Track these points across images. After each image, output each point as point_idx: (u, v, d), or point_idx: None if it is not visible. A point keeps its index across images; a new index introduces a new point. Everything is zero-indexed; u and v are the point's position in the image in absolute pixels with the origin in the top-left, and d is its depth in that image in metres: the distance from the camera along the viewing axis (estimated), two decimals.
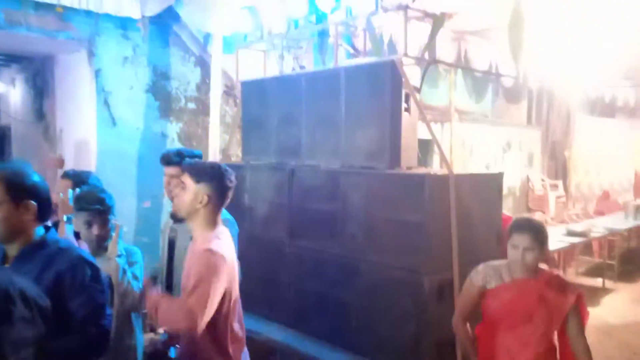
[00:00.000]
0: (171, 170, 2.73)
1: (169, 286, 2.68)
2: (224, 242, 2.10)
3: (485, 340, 2.30)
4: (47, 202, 1.64)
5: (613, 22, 5.55)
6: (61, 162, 4.55)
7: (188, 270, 2.07)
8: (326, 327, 3.16)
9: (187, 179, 2.13)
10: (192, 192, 2.10)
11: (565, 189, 9.62)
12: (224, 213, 2.37)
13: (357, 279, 3.02)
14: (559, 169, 10.27)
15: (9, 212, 1.53)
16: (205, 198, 2.09)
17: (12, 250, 1.59)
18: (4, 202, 1.53)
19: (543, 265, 2.29)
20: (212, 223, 2.13)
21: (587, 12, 5.20)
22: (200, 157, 2.88)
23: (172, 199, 2.71)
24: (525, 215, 2.41)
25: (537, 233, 2.18)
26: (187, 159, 2.63)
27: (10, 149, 5.86)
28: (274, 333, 3.34)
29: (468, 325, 2.37)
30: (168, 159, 2.77)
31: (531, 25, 4.83)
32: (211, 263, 1.98)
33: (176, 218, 2.33)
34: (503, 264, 2.30)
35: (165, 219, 2.96)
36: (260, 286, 3.58)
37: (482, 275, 2.32)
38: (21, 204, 1.55)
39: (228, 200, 2.19)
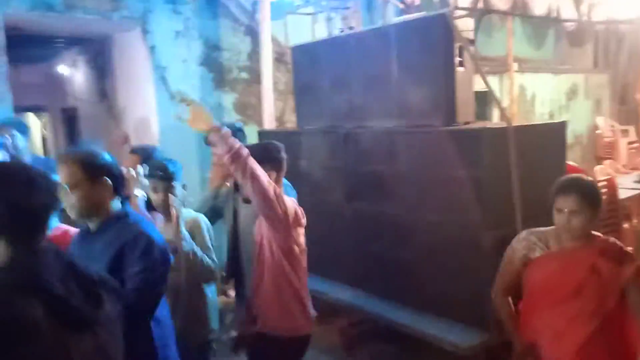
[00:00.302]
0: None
1: (236, 258, 2.73)
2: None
3: (528, 317, 2.05)
4: (120, 178, 1.76)
5: None
6: (126, 139, 4.76)
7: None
8: (388, 285, 3.21)
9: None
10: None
11: (638, 134, 9.09)
12: (284, 181, 2.50)
13: (417, 238, 3.03)
14: (630, 114, 9.69)
15: (88, 190, 1.66)
16: (274, 174, 2.28)
17: (93, 225, 1.72)
18: (82, 181, 1.65)
19: (599, 234, 2.00)
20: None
21: None
22: (242, 130, 2.92)
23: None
24: (574, 174, 2.15)
25: (586, 193, 1.91)
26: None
27: (79, 129, 6.17)
28: (338, 293, 3.43)
29: (510, 300, 2.15)
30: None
31: None
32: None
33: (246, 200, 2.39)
34: (550, 230, 2.03)
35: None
36: (322, 248, 3.65)
37: (525, 242, 2.09)
38: (97, 182, 1.67)
39: (284, 170, 2.39)
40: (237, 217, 2.74)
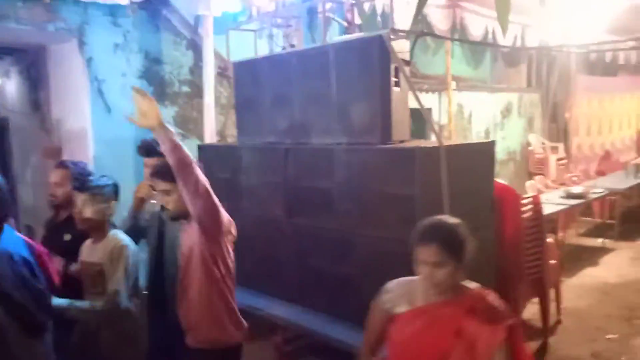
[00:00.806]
0: (152, 161, 2.70)
1: (158, 282, 2.66)
2: None
3: None
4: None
5: None
6: (59, 152, 4.61)
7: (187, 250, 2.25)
8: (326, 300, 3.25)
9: (164, 185, 2.24)
10: (176, 191, 2.18)
11: (566, 151, 9.62)
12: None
13: (354, 253, 3.09)
14: (560, 131, 10.25)
15: None
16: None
17: None
18: None
19: (472, 284, 1.79)
20: None
21: None
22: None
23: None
24: (435, 217, 1.90)
25: (449, 242, 1.70)
26: None
27: (9, 140, 5.91)
28: (276, 308, 3.43)
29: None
30: (149, 149, 2.73)
31: None
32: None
33: (175, 218, 2.35)
34: (419, 280, 1.77)
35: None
36: (261, 263, 3.66)
37: (391, 295, 1.84)
38: None
39: None
40: (163, 239, 2.65)
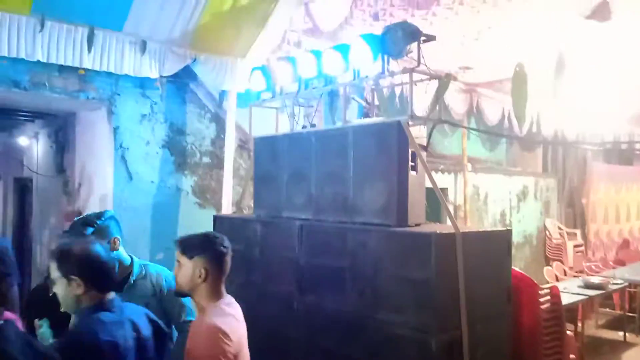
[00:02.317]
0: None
1: None
2: (230, 314, 2.16)
3: None
4: None
5: (617, 70, 5.62)
6: (79, 213, 4.67)
7: (192, 344, 2.11)
8: None
9: (181, 257, 2.20)
10: (189, 268, 2.16)
11: (584, 237, 9.49)
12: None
13: (366, 337, 3.00)
14: (577, 217, 10.18)
15: None
16: (203, 272, 2.15)
17: None
18: None
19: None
20: (216, 294, 2.19)
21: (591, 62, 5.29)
22: (113, 217, 2.84)
23: None
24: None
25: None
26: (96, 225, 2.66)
27: (31, 200, 6.03)
28: None
29: None
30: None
31: (536, 78, 4.92)
32: (220, 347, 2.01)
33: (178, 294, 2.36)
34: None
35: None
36: (268, 340, 3.57)
37: None
38: None
39: (228, 267, 2.24)
40: None
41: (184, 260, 2.20)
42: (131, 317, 2.02)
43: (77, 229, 2.68)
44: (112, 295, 2.02)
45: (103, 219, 2.79)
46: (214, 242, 2.25)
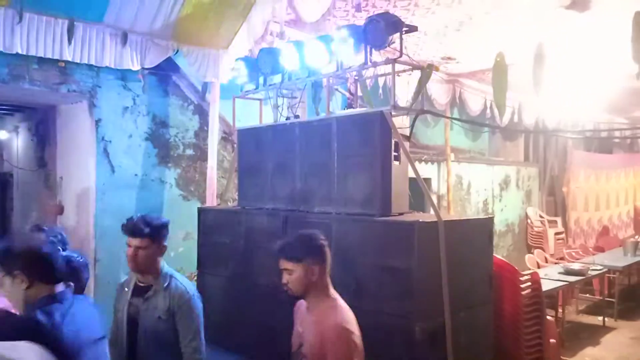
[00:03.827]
0: (135, 241, 2.65)
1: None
2: (344, 306, 2.27)
3: None
4: None
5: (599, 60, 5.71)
6: (61, 209, 4.63)
7: (318, 342, 2.19)
8: None
9: (288, 263, 2.26)
10: (301, 271, 2.24)
11: (564, 225, 9.65)
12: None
13: None
14: (557, 205, 10.34)
15: None
16: (317, 270, 2.24)
17: None
18: None
19: None
20: (327, 288, 2.31)
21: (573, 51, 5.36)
22: (166, 225, 2.80)
23: (135, 270, 2.73)
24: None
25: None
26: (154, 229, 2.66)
27: (12, 195, 5.95)
28: None
29: None
30: (133, 229, 2.66)
31: (517, 68, 4.97)
32: (352, 344, 2.12)
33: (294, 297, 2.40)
34: None
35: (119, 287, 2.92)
36: (254, 330, 3.59)
37: None
38: None
39: (329, 257, 2.34)
40: (135, 326, 2.71)
41: (292, 265, 2.26)
42: (81, 311, 1.96)
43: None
44: (60, 287, 1.96)
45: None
46: (315, 239, 2.31)
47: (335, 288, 3.09)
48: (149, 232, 2.64)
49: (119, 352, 2.73)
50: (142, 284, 2.76)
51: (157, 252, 2.72)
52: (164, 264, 2.79)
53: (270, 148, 3.75)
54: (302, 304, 2.43)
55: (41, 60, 3.87)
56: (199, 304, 2.74)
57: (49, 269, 1.92)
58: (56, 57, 3.76)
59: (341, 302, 2.32)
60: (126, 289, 2.82)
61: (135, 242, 2.64)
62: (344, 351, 2.09)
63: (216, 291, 3.86)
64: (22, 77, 3.87)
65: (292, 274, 2.26)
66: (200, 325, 2.73)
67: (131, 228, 2.67)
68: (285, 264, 2.28)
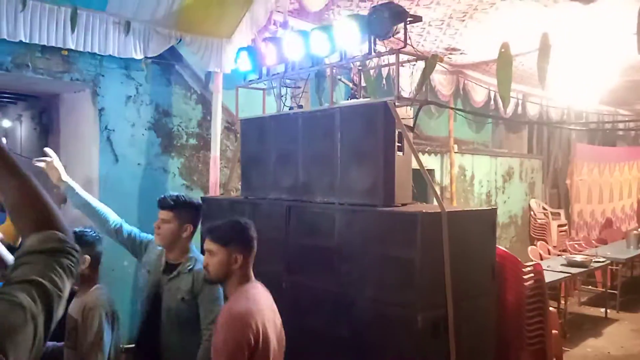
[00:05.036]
0: (162, 214, 2.82)
1: (152, 329, 2.73)
2: (254, 298, 2.17)
3: None
4: None
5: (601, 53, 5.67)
6: (64, 198, 4.63)
7: (216, 330, 2.14)
8: None
9: (213, 245, 2.20)
10: (225, 255, 2.18)
11: (567, 217, 9.64)
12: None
13: (353, 315, 3.05)
14: (561, 197, 10.32)
15: None
16: (240, 258, 2.19)
17: None
18: None
19: None
20: (246, 279, 2.24)
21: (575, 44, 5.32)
22: (196, 207, 2.97)
23: (159, 244, 2.84)
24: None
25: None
26: (182, 206, 2.76)
27: None
28: None
29: None
30: (162, 201, 2.85)
31: (522, 59, 4.94)
32: (240, 334, 2.02)
33: (211, 282, 2.39)
34: None
35: (154, 259, 2.98)
36: None
37: None
38: None
39: (255, 249, 2.30)
40: (159, 288, 2.80)
41: (217, 247, 2.21)
42: None
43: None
44: None
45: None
46: (245, 228, 2.29)
47: (336, 278, 3.11)
48: (173, 206, 2.75)
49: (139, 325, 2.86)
50: (170, 262, 2.84)
51: (181, 230, 2.80)
52: (193, 248, 2.87)
53: (274, 138, 3.75)
54: None
55: (44, 49, 3.86)
56: (220, 289, 2.78)
57: None
58: (59, 45, 3.75)
59: (254, 294, 2.22)
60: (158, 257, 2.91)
61: (162, 214, 2.81)
62: (229, 339, 1.99)
63: None
64: (25, 66, 3.86)
65: (214, 256, 2.20)
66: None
67: (161, 200, 2.85)
68: (209, 245, 2.22)
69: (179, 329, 2.74)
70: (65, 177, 3.08)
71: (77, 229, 2.56)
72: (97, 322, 2.43)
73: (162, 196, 2.90)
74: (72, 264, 1.06)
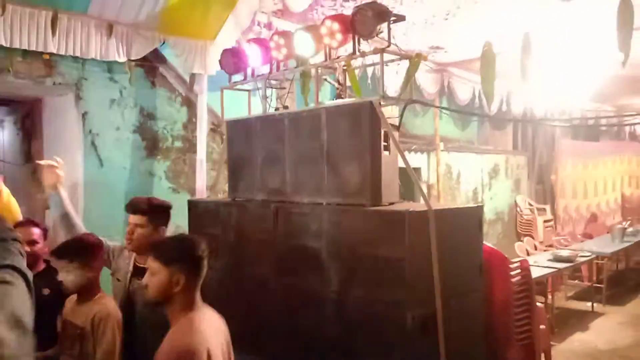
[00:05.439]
0: (134, 218, 2.77)
1: (134, 353, 2.66)
2: (200, 330, 1.94)
3: None
4: None
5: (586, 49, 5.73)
6: (47, 205, 4.58)
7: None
8: None
9: (154, 263, 1.96)
10: (165, 276, 1.94)
11: (553, 212, 9.74)
12: None
13: (343, 315, 3.05)
14: (546, 193, 10.43)
15: None
16: (182, 280, 1.95)
17: None
18: None
19: None
20: (190, 305, 2.00)
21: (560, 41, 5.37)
22: (168, 208, 2.91)
23: (132, 249, 2.82)
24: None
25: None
26: (155, 210, 2.70)
27: None
28: None
29: None
30: (132, 206, 2.79)
31: (505, 57, 4.96)
32: None
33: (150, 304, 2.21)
34: None
35: (123, 265, 2.93)
36: (245, 322, 3.59)
37: None
38: None
39: (204, 272, 2.05)
40: (133, 311, 2.73)
41: (158, 266, 1.97)
42: None
43: None
44: None
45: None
46: (192, 247, 2.03)
47: (325, 278, 3.11)
48: (146, 210, 2.70)
49: None
50: (140, 265, 2.78)
51: (154, 234, 2.74)
52: None
53: (260, 139, 3.73)
54: None
55: (25, 53, 3.81)
56: None
57: None
58: (40, 49, 3.71)
59: (199, 323, 1.98)
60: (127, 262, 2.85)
61: (134, 219, 2.75)
62: None
63: (207, 282, 3.85)
64: (6, 70, 3.81)
65: (154, 275, 1.96)
66: None
67: (131, 205, 2.79)
68: (150, 262, 1.98)
69: (152, 332, 2.71)
70: (60, 187, 3.02)
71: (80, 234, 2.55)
72: (111, 331, 2.40)
73: (132, 201, 2.83)
74: (21, 251, 1.10)
